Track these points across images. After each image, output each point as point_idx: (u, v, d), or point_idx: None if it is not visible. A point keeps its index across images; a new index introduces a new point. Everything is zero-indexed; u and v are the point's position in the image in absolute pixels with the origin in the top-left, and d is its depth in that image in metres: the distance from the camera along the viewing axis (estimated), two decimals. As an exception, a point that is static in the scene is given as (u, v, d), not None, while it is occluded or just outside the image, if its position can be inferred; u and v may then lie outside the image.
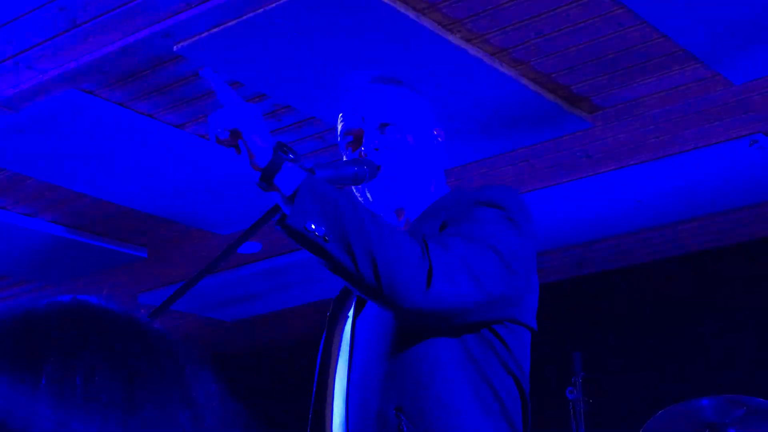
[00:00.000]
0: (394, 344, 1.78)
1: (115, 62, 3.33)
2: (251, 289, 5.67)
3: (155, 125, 3.78)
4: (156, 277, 5.47)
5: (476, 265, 1.72)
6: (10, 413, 0.72)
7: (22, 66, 3.33)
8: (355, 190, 1.98)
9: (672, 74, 3.50)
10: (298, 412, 2.47)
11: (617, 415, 4.44)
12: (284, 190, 1.65)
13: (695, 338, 4.93)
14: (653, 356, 5.04)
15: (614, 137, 3.98)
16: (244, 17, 3.07)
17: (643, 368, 5.03)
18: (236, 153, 1.66)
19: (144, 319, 0.84)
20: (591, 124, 3.84)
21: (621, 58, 3.39)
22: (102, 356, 0.76)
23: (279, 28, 3.12)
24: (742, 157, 4.08)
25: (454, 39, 3.22)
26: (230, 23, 3.11)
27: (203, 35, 3.16)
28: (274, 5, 3.01)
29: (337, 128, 2.04)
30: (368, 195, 1.94)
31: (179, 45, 3.22)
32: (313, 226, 1.61)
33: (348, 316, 1.94)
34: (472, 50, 3.30)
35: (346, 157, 1.98)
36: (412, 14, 3.07)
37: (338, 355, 1.93)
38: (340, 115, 2.02)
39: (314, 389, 1.96)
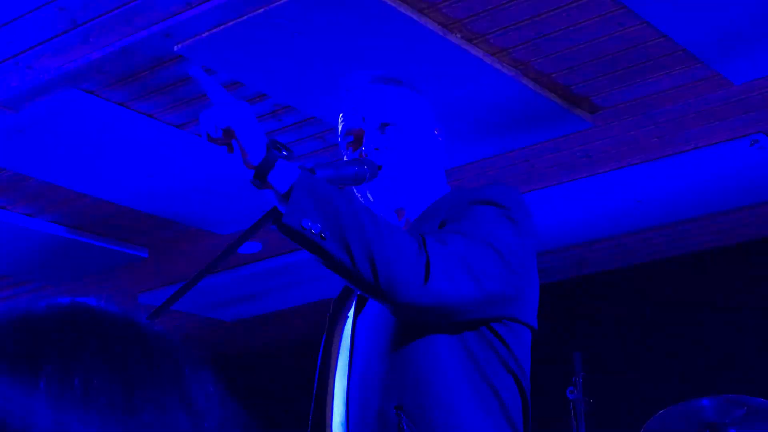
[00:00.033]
0: (393, 343, 1.78)
1: (116, 62, 3.33)
2: (252, 289, 5.67)
3: (156, 125, 3.78)
4: (156, 277, 5.48)
5: (475, 262, 1.71)
6: (11, 413, 0.72)
7: (23, 66, 3.33)
8: (355, 191, 1.97)
9: (672, 74, 3.50)
10: (299, 411, 2.47)
11: (618, 415, 4.44)
12: (279, 188, 1.63)
13: (695, 338, 4.93)
14: (654, 356, 5.04)
15: (615, 137, 3.98)
16: (245, 17, 3.08)
17: (644, 368, 5.03)
18: (228, 151, 1.64)
19: (143, 321, 0.84)
20: (591, 124, 3.84)
21: (621, 58, 3.39)
22: (100, 359, 0.76)
23: (279, 28, 3.12)
24: (743, 157, 4.07)
25: (455, 39, 3.22)
26: (230, 23, 3.11)
27: (203, 35, 3.16)
28: (274, 5, 3.01)
29: (337, 128, 2.04)
30: (369, 195, 1.94)
31: (179, 45, 3.22)
32: (309, 224, 1.60)
33: (348, 316, 1.94)
34: (473, 50, 3.30)
35: (347, 157, 1.98)
36: (412, 14, 3.07)
37: (338, 354, 1.93)
38: (341, 115, 2.02)
39: (314, 389, 1.96)
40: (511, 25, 3.18)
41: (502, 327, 1.81)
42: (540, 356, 2.05)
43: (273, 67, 3.36)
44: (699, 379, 4.68)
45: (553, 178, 4.36)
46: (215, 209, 4.58)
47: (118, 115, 3.68)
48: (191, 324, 6.09)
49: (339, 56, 3.27)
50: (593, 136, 3.96)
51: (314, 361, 1.99)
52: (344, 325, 1.95)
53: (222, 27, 3.12)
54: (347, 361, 1.87)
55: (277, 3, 3.00)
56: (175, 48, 3.23)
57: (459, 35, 3.22)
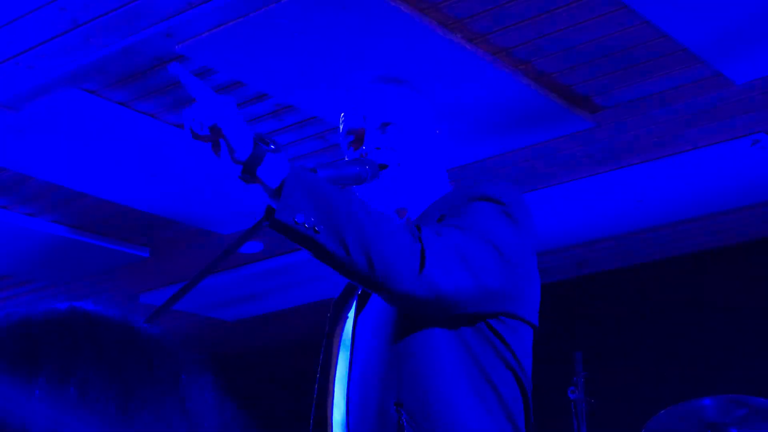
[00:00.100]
0: (393, 341, 1.78)
1: (117, 62, 3.33)
2: (253, 289, 5.67)
3: (157, 125, 3.78)
4: (158, 276, 5.48)
5: (471, 255, 1.71)
6: (11, 413, 0.72)
7: (24, 66, 3.33)
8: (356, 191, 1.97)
9: (673, 74, 3.50)
10: (299, 411, 2.47)
11: (619, 415, 4.43)
12: (269, 183, 1.61)
13: (696, 338, 4.93)
14: (654, 356, 5.04)
15: (616, 137, 3.98)
16: (246, 17, 3.08)
17: (645, 368, 5.03)
18: (214, 150, 1.61)
19: (140, 324, 0.84)
20: (592, 124, 3.84)
21: (623, 58, 3.39)
22: (97, 364, 0.76)
23: (281, 27, 3.12)
24: (744, 157, 4.07)
25: (456, 38, 3.22)
26: (232, 23, 3.11)
27: (205, 35, 3.16)
28: (275, 5, 3.01)
29: (338, 128, 2.04)
30: (370, 195, 1.94)
31: (181, 45, 3.22)
32: (302, 219, 1.58)
33: (348, 316, 1.94)
34: (474, 50, 3.30)
35: (348, 157, 1.98)
36: (414, 14, 3.07)
37: (339, 353, 1.93)
38: (342, 114, 2.03)
39: (315, 388, 1.96)
40: (512, 24, 3.18)
41: (500, 324, 1.80)
42: (541, 356, 2.05)
43: (274, 66, 3.36)
44: (700, 378, 4.68)
45: (554, 178, 4.36)
46: (216, 209, 4.58)
47: (120, 115, 3.68)
48: (192, 324, 6.09)
49: (340, 56, 3.27)
50: (594, 136, 3.96)
51: (315, 361, 1.99)
52: (345, 324, 1.95)
53: (223, 26, 3.12)
54: (348, 361, 1.88)
55: (279, 2, 3.00)
56: (177, 48, 3.23)
57: (460, 35, 3.22)
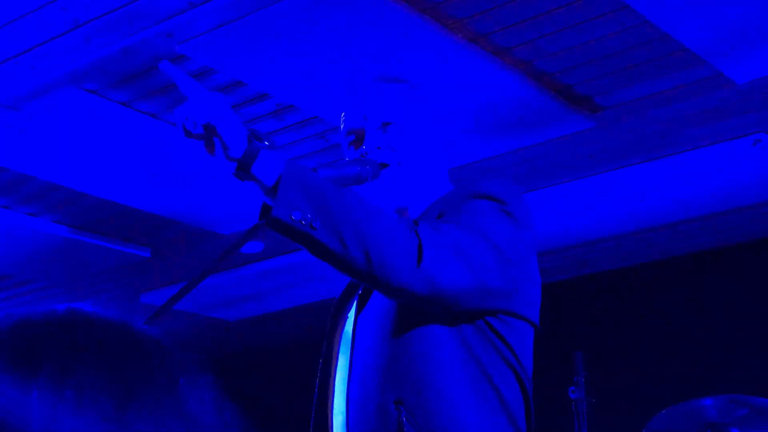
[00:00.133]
0: (393, 339, 1.78)
1: (118, 62, 3.33)
2: (254, 288, 5.67)
3: (158, 125, 3.78)
4: (159, 276, 5.48)
5: (469, 251, 1.71)
6: (10, 413, 0.72)
7: (25, 66, 3.33)
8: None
9: (674, 74, 3.50)
10: (300, 410, 2.47)
11: (620, 415, 4.43)
12: (264, 180, 1.60)
13: (696, 338, 4.93)
14: (655, 355, 5.04)
15: (617, 137, 3.98)
16: (246, 16, 3.08)
17: (645, 367, 5.03)
18: (207, 149, 1.60)
19: (139, 326, 0.84)
20: (593, 124, 3.84)
21: (623, 58, 3.39)
22: (95, 366, 0.77)
23: (281, 27, 3.12)
24: (745, 157, 4.07)
25: (457, 38, 3.22)
26: (232, 23, 3.11)
27: (205, 35, 3.16)
28: (276, 5, 3.01)
29: (339, 127, 2.04)
30: (371, 195, 1.94)
31: (181, 45, 3.22)
32: (299, 216, 1.57)
33: (349, 316, 1.94)
34: (475, 49, 3.30)
35: (349, 157, 1.98)
36: (414, 13, 3.07)
37: (339, 353, 1.94)
38: (343, 114, 2.03)
39: (316, 388, 1.96)
40: (513, 24, 3.18)
41: (500, 323, 1.80)
42: (542, 356, 2.05)
43: (275, 66, 3.36)
44: (700, 378, 4.67)
45: (555, 178, 4.35)
46: (217, 209, 4.58)
47: (121, 115, 3.68)
48: (194, 324, 6.09)
49: (341, 55, 3.27)
50: (595, 136, 3.96)
51: (316, 361, 1.99)
52: (345, 324, 1.95)
53: (223, 26, 3.12)
54: (348, 360, 1.88)
55: (278, 3, 3.00)
56: (177, 48, 3.23)
57: (460, 35, 3.22)
